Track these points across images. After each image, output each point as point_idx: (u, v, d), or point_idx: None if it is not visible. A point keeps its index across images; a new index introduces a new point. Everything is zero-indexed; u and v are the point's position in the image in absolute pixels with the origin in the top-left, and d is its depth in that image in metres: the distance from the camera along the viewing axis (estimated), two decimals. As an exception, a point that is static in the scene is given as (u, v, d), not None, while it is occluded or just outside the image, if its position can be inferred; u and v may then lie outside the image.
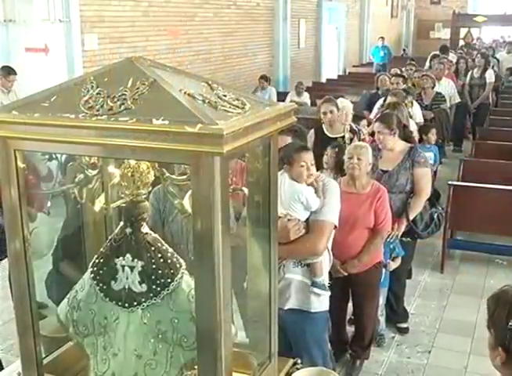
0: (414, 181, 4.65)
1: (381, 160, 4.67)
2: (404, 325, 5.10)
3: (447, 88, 9.79)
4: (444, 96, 8.84)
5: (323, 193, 3.29)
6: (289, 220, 3.18)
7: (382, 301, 4.78)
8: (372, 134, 5.44)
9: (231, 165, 2.05)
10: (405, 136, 4.88)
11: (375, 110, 7.57)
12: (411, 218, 4.66)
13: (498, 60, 14.71)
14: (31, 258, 1.95)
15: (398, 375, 4.51)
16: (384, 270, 4.45)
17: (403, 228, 4.63)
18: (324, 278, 3.39)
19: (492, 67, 13.35)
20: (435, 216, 4.83)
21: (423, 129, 6.93)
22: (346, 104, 6.22)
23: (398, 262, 4.67)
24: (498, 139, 8.55)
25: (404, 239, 4.74)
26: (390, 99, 6.70)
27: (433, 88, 8.71)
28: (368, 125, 6.40)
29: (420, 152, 4.79)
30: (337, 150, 4.68)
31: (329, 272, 3.53)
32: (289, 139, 3.56)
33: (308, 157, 3.27)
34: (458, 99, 10.06)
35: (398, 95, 6.80)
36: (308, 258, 3.33)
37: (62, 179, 2.45)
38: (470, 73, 11.28)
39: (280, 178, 2.98)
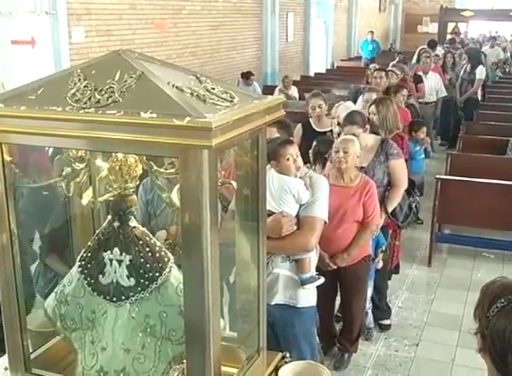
0: (390, 173, 4.64)
1: None
2: (386, 322, 5.09)
3: (434, 81, 9.81)
4: (410, 91, 8.36)
5: (312, 189, 3.29)
6: (283, 216, 3.18)
7: (369, 294, 4.80)
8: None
9: (228, 159, 2.05)
10: (373, 128, 4.84)
11: (359, 107, 7.36)
12: (390, 209, 4.65)
13: (485, 55, 14.76)
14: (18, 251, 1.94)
15: (386, 368, 4.53)
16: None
17: (382, 221, 4.60)
18: (312, 271, 3.39)
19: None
20: (413, 206, 4.85)
21: (413, 126, 6.90)
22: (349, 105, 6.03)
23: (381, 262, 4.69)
24: (485, 133, 8.58)
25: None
26: (368, 95, 6.40)
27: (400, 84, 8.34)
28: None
29: (392, 144, 4.76)
30: (315, 143, 4.66)
31: (317, 266, 3.53)
32: (275, 131, 3.56)
33: (293, 150, 3.28)
34: (444, 93, 10.05)
35: (374, 90, 6.56)
36: (298, 254, 3.33)
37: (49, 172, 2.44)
38: (463, 67, 11.27)
39: (268, 173, 2.97)
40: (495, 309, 1.68)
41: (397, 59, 11.85)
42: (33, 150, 2.91)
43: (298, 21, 16.65)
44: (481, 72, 10.97)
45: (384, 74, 7.79)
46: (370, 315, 4.93)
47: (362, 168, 4.57)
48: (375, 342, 4.86)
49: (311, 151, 4.66)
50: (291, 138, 3.87)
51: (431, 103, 9.85)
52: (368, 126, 4.71)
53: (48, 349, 2.24)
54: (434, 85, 9.81)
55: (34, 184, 2.96)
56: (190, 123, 1.53)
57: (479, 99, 11.27)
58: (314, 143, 4.69)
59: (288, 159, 3.23)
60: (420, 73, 9.86)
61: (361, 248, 4.12)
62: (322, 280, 3.41)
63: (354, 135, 4.53)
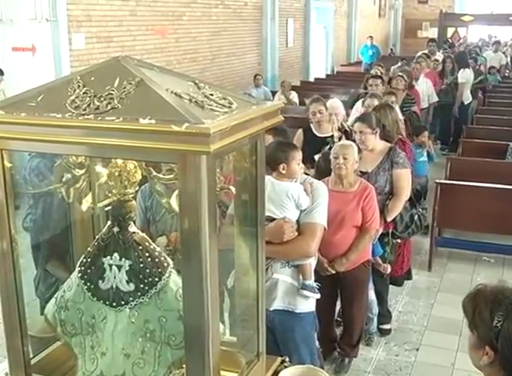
0: (393, 182, 4.61)
1: (361, 161, 4.64)
2: (387, 327, 5.08)
3: (425, 87, 9.74)
4: (414, 98, 8.36)
5: (312, 195, 3.31)
6: (285, 222, 3.19)
7: (374, 300, 4.81)
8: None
9: (228, 166, 2.06)
10: (385, 136, 4.85)
11: (353, 112, 7.25)
12: (390, 219, 4.61)
13: (485, 59, 14.78)
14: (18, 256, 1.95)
15: (386, 373, 4.53)
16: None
17: (381, 229, 4.55)
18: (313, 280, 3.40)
19: (479, 66, 13.40)
20: (416, 217, 4.80)
21: (415, 130, 6.89)
22: (336, 105, 6.14)
23: (389, 267, 4.69)
24: (485, 137, 8.59)
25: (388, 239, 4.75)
26: (369, 101, 6.34)
27: (404, 90, 8.12)
28: None
29: (400, 152, 4.74)
30: (317, 157, 4.67)
31: (317, 271, 3.53)
32: (270, 138, 3.57)
33: (300, 154, 3.34)
34: (436, 99, 9.96)
35: (376, 96, 6.45)
36: (298, 260, 3.34)
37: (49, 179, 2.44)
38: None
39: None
40: (501, 316, 1.66)
41: (399, 64, 11.83)
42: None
43: (298, 27, 16.70)
44: (462, 75, 10.83)
45: (379, 81, 7.58)
46: (375, 321, 4.93)
47: (365, 173, 4.58)
48: (375, 347, 4.86)
49: (314, 168, 4.65)
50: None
51: (424, 109, 9.78)
52: (378, 130, 4.71)
53: (49, 355, 2.25)
54: (425, 91, 9.75)
55: (33, 190, 2.97)
56: (188, 129, 1.54)
57: (465, 103, 11.00)
58: (316, 158, 4.70)
59: (298, 163, 3.28)
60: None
61: (360, 253, 4.12)
62: (318, 296, 3.42)
63: (361, 132, 4.60)
